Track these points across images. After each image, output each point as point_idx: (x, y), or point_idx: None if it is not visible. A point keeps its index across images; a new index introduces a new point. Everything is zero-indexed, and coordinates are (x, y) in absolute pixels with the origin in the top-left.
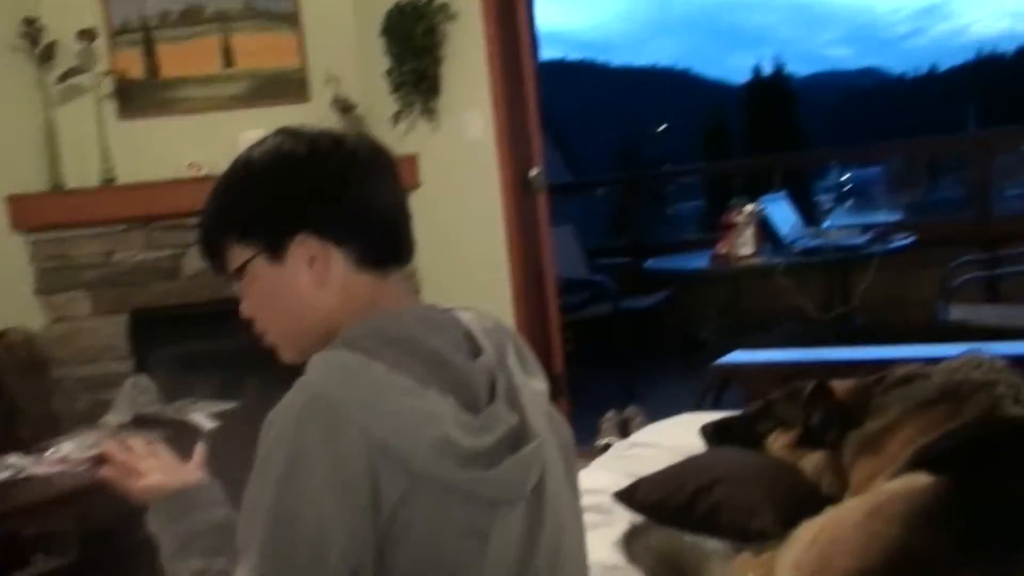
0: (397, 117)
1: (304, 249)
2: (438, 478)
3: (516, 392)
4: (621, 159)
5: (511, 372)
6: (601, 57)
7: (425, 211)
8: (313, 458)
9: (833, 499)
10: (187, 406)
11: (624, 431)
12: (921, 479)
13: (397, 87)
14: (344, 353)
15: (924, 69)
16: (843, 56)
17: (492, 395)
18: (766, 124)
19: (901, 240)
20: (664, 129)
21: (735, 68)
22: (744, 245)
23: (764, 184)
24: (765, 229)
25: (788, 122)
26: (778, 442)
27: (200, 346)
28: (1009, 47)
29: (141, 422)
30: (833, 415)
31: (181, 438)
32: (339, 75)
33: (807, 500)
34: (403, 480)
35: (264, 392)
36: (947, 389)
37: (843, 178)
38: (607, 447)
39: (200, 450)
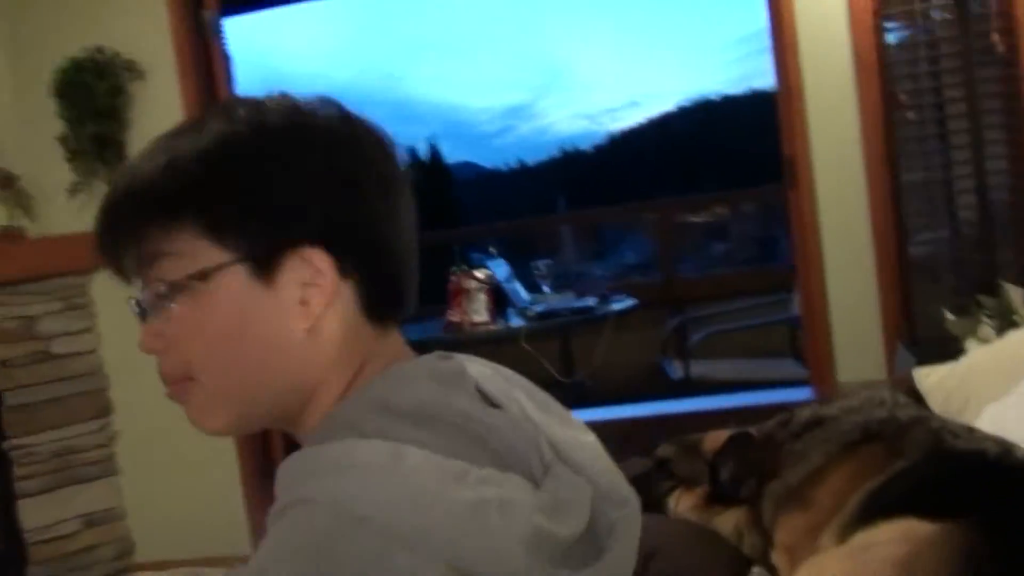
0: (75, 189)
1: (304, 270)
2: None
3: (563, 450)
4: None
5: (542, 426)
6: None
7: (114, 299)
8: None
9: (756, 560)
10: None
11: None
12: (919, 527)
13: (73, 155)
14: (356, 443)
15: (515, 163)
16: (441, 151)
17: (542, 461)
18: (426, 204)
19: (625, 301)
20: None
21: None
22: (478, 312)
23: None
24: (496, 295)
25: (447, 201)
26: (683, 503)
27: None
28: (587, 144)
29: None
30: (744, 468)
31: None
32: None
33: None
34: None
35: None
36: (870, 429)
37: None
38: None
39: None
